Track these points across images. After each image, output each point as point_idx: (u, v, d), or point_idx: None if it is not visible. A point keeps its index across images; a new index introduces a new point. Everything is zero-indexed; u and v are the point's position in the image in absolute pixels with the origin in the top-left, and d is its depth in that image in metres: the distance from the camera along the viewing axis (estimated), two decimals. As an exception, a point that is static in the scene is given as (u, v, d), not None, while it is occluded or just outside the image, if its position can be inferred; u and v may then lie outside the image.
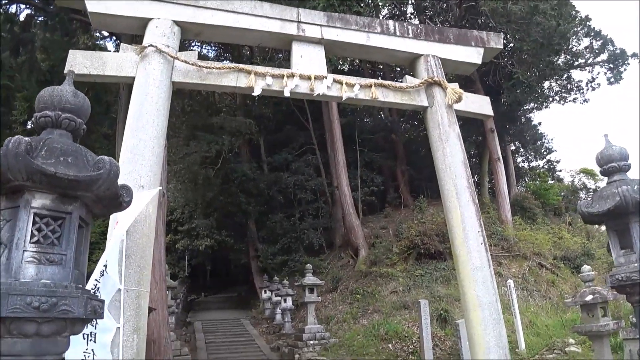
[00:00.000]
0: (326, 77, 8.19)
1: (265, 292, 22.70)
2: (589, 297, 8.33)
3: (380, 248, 21.67)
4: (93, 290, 5.45)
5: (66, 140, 3.33)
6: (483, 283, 7.97)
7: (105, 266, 5.62)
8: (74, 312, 2.84)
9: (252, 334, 19.49)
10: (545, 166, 37.94)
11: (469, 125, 30.35)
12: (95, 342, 5.62)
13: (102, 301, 3.32)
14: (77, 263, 3.21)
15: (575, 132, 68.35)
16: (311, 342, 15.22)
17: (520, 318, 13.88)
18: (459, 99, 8.84)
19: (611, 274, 4.68)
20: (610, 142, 4.81)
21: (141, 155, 6.57)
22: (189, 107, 27.07)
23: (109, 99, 18.79)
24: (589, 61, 27.13)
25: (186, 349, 14.59)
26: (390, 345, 14.28)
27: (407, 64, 9.88)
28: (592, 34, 25.43)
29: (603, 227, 30.63)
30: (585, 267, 9.21)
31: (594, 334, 8.36)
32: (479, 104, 9.90)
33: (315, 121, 27.36)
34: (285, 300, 18.89)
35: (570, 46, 25.52)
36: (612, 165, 4.64)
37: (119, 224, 5.90)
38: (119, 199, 3.40)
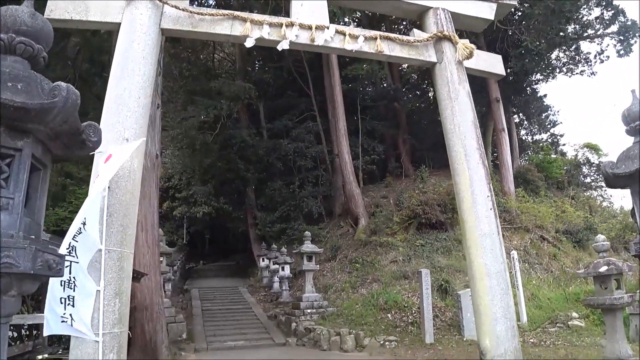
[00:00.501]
0: (328, 28, 7.57)
1: (263, 260, 22.37)
2: (603, 268, 7.86)
3: (380, 217, 21.26)
4: (68, 250, 4.98)
5: (19, 66, 2.78)
6: (491, 251, 7.50)
7: (84, 223, 5.13)
8: (19, 266, 2.34)
9: (250, 302, 19.21)
10: (549, 140, 37.34)
11: (474, 94, 29.40)
12: (74, 306, 5.18)
13: (60, 256, 2.81)
14: (29, 210, 2.71)
15: (580, 106, 67.32)
16: (309, 310, 14.90)
17: (522, 290, 13.51)
18: (470, 55, 8.24)
19: (635, 241, 4.20)
20: (638, 99, 4.26)
21: (125, 106, 6.01)
22: (187, 71, 26.37)
23: (104, 59, 18.08)
24: (599, 32, 26.20)
25: (181, 316, 14.27)
26: (389, 315, 13.95)
27: (416, 17, 9.20)
28: (604, 3, 24.48)
29: (606, 203, 30.20)
30: (600, 237, 8.73)
31: (607, 307, 7.92)
32: (491, 62, 9.29)
33: (316, 87, 26.64)
34: (283, 269, 18.55)
35: (581, 16, 24.69)
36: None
37: (99, 177, 5.39)
38: (81, 136, 2.86)
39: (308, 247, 15.68)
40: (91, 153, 4.23)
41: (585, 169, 32.94)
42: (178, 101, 25.47)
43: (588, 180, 33.00)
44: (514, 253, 14.05)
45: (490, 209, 7.69)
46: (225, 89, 23.06)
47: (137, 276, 9.37)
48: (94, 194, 5.32)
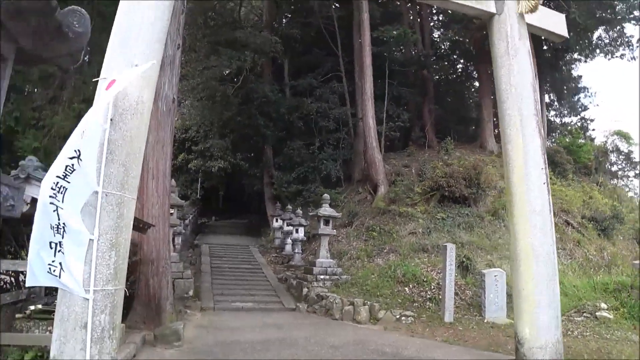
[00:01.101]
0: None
1: (276, 220, 21.64)
2: (666, 260, 6.90)
3: (401, 186, 20.36)
4: (55, 190, 4.17)
5: None
6: (542, 230, 6.59)
7: (79, 159, 4.28)
8: None
9: (260, 262, 18.58)
10: (578, 123, 35.90)
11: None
12: (64, 253, 4.39)
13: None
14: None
15: (613, 91, 64.80)
16: (322, 276, 14.17)
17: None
18: (533, 8, 7.16)
19: None
20: None
21: (137, 27, 5.05)
22: (212, 20, 25.19)
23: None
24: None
25: (189, 272, 13.62)
26: (406, 288, 13.17)
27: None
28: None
29: (631, 193, 28.79)
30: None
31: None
32: (554, 21, 8.13)
33: (344, 47, 25.43)
34: (297, 231, 17.80)
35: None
36: None
37: (96, 105, 4.51)
38: (56, 20, 1.96)
39: (326, 210, 14.85)
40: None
41: (613, 157, 31.62)
42: (201, 50, 24.43)
43: (614, 168, 31.72)
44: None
45: (544, 184, 6.73)
46: (251, 40, 21.97)
47: (143, 227, 8.63)
48: (93, 125, 4.45)
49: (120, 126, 4.71)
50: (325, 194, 15.70)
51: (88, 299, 4.45)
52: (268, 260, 19.24)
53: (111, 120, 4.63)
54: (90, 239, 4.45)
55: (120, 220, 4.67)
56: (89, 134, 4.42)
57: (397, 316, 11.82)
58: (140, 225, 8.31)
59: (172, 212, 13.55)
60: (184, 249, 19.30)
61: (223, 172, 26.09)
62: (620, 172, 32.06)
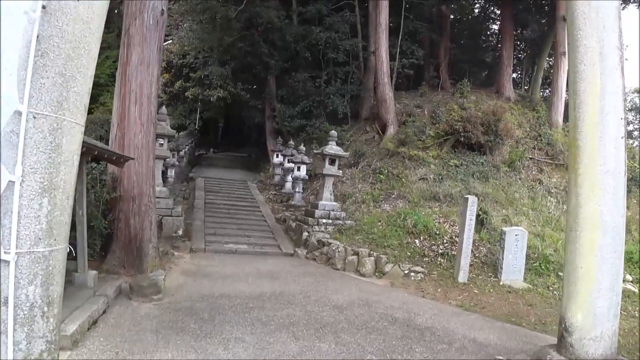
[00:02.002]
0: None
1: (277, 156, 20.20)
2: None
3: (412, 127, 18.82)
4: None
5: None
6: (613, 195, 5.17)
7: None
8: None
9: (257, 200, 17.31)
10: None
11: (536, 9, 26.12)
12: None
13: None
14: None
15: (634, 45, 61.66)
16: (324, 220, 12.91)
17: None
18: None
19: None
20: None
21: None
22: None
23: None
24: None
25: (179, 209, 12.29)
26: (417, 240, 11.92)
27: None
28: None
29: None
30: None
31: None
32: None
33: (359, -28, 23.14)
34: (299, 169, 16.44)
35: None
36: None
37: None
38: None
39: (332, 148, 13.39)
40: None
41: (630, 116, 29.94)
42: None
43: (630, 128, 30.06)
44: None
45: (622, 138, 5.24)
46: (257, -44, 19.71)
47: (119, 159, 7.18)
48: (13, 12, 2.92)
49: (58, 17, 3.17)
50: (332, 131, 14.17)
51: (8, 264, 3.09)
52: (266, 197, 17.96)
53: (43, 7, 3.09)
54: (10, 181, 3.03)
55: (56, 154, 3.23)
56: (7, 26, 2.90)
57: (406, 271, 10.63)
58: (115, 158, 6.88)
59: (162, 142, 12.09)
60: (178, 182, 18.00)
61: (222, 102, 24.35)
62: (635, 132, 30.51)
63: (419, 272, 10.59)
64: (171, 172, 17.19)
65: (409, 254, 11.37)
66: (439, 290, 9.85)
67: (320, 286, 9.26)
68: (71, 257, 7.32)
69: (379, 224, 12.97)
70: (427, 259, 11.30)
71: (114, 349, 5.20)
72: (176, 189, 16.83)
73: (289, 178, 18.04)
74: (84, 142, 5.14)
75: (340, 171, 14.21)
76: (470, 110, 18.11)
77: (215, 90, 23.06)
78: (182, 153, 20.07)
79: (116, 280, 7.75)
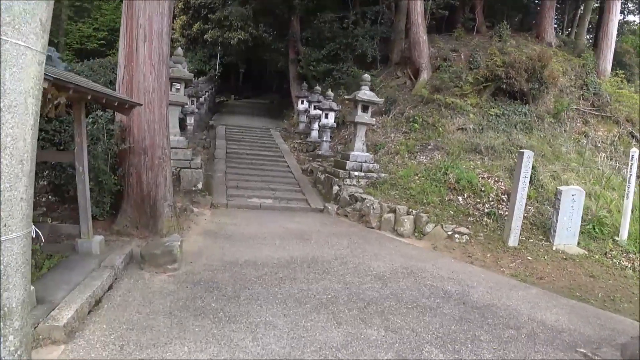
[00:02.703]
0: None
1: (302, 102, 18.80)
2: None
3: (447, 73, 17.22)
4: None
5: None
6: None
7: None
8: None
9: (282, 149, 16.10)
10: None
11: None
12: None
13: None
14: None
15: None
16: (356, 173, 11.70)
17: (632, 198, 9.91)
18: None
19: None
20: None
21: None
22: None
23: None
24: None
25: (199, 160, 11.12)
26: (460, 198, 10.66)
27: None
28: None
29: None
30: None
31: None
32: None
33: None
34: (326, 116, 15.11)
35: None
36: None
37: None
38: None
39: (365, 94, 11.97)
40: None
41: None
42: None
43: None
44: (635, 151, 10.20)
45: None
46: None
47: (127, 106, 5.98)
48: None
49: None
50: (366, 74, 12.68)
51: None
52: (291, 146, 16.73)
53: None
54: None
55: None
56: None
57: (449, 232, 9.46)
58: (117, 104, 5.67)
59: (179, 87, 10.84)
60: (198, 130, 16.85)
61: (243, 45, 22.71)
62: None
63: (464, 234, 9.42)
64: (190, 120, 16.01)
65: (452, 212, 10.16)
66: (489, 255, 8.70)
67: (356, 249, 8.16)
68: (76, 219, 6.33)
69: (416, 177, 11.72)
70: (471, 219, 10.08)
71: (118, 341, 4.17)
72: (196, 138, 15.70)
73: (315, 126, 16.75)
74: (64, 81, 3.93)
75: (374, 119, 12.84)
76: (514, 55, 16.37)
77: (236, 33, 21.45)
78: (201, 99, 18.80)
79: (126, 245, 6.71)
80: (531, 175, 11.70)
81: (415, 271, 7.25)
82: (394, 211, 10.05)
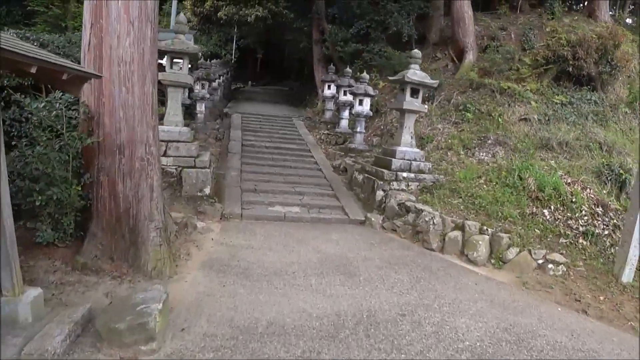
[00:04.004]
0: None
1: (329, 87, 16.06)
2: None
3: (498, 54, 14.42)
4: None
5: None
6: None
7: None
8: None
9: (307, 141, 13.46)
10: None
11: None
12: None
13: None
14: None
15: None
16: (404, 174, 9.05)
17: None
18: None
19: None
20: None
21: None
22: None
23: None
24: None
25: (206, 157, 8.42)
26: (546, 211, 7.96)
27: None
28: None
29: None
30: None
31: None
32: None
33: None
34: (360, 102, 12.40)
35: None
36: None
37: None
38: None
39: (416, 74, 9.26)
40: None
41: None
42: None
43: None
44: None
45: None
46: None
47: (77, 80, 3.40)
48: None
49: None
50: (415, 50, 9.89)
51: None
52: (317, 138, 14.07)
53: None
54: None
55: None
56: None
57: (540, 260, 6.84)
58: (50, 73, 3.10)
59: (181, 64, 8.25)
60: (210, 119, 14.30)
61: (261, 23, 19.97)
62: None
63: (560, 263, 6.79)
64: (201, 107, 13.45)
65: (539, 231, 7.49)
66: (602, 298, 6.07)
67: (425, 292, 5.57)
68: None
69: (481, 181, 9.04)
70: (564, 241, 7.41)
71: None
72: (207, 128, 13.14)
73: (345, 114, 14.07)
74: None
75: (426, 107, 10.13)
76: (582, 33, 13.51)
77: (253, 9, 18.75)
78: (215, 84, 16.22)
79: (84, 301, 4.20)
80: (626, 179, 9.09)
81: (522, 337, 4.66)
82: (461, 228, 7.44)
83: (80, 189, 5.09)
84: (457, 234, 7.40)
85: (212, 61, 17.53)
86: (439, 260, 7.00)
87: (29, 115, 5.45)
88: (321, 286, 5.38)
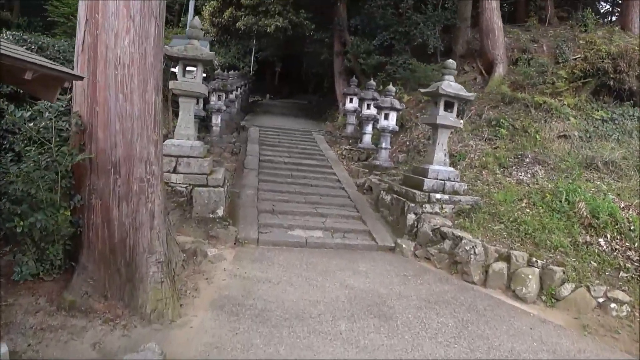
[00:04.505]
0: None
1: (350, 100, 15.19)
2: None
3: (529, 67, 13.46)
4: None
5: None
6: None
7: None
8: None
9: (328, 157, 12.60)
10: None
11: None
12: None
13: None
14: None
15: None
16: (437, 195, 8.10)
17: None
18: None
19: None
20: None
21: None
22: None
23: None
24: None
25: (219, 175, 7.60)
26: (601, 240, 6.96)
27: None
28: None
29: None
30: None
31: None
32: None
33: None
34: (386, 117, 11.52)
35: None
36: None
37: None
38: None
39: (451, 85, 8.37)
40: None
41: None
42: None
43: None
44: None
45: None
46: None
47: (50, 82, 2.60)
48: None
49: None
50: (450, 60, 9.01)
51: None
52: (339, 153, 13.20)
53: None
54: None
55: None
56: None
57: (600, 298, 5.86)
58: (21, 74, 2.28)
59: (194, 72, 7.46)
60: (226, 132, 13.56)
61: (281, 34, 19.22)
62: None
63: (623, 303, 5.80)
64: (216, 120, 12.71)
65: (595, 264, 6.49)
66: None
67: (475, 342, 4.62)
68: None
69: (522, 204, 8.07)
70: (624, 275, 6.39)
71: None
72: (223, 142, 12.39)
73: (368, 129, 13.20)
74: None
75: (462, 121, 9.19)
76: (624, 44, 12.53)
77: (273, 19, 18.02)
78: (232, 96, 15.51)
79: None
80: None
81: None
82: (506, 259, 6.48)
83: (69, 213, 4.28)
84: (502, 265, 6.44)
85: (229, 72, 16.82)
86: (483, 296, 6.04)
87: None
88: (353, 334, 4.46)
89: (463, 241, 6.80)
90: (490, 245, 6.76)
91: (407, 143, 12.55)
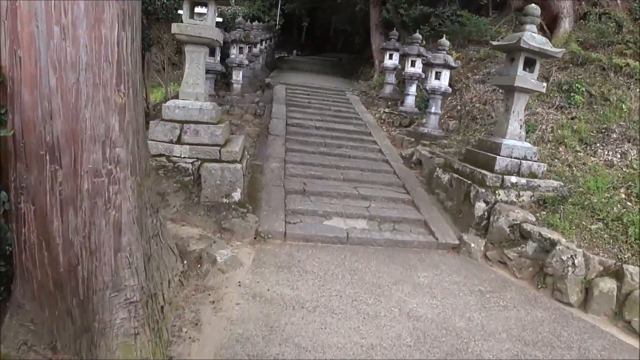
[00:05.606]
0: None
1: (390, 57, 13.05)
2: None
3: (601, 22, 11.22)
4: None
5: None
6: None
7: None
8: None
9: (366, 121, 10.71)
10: None
11: None
12: None
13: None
14: None
15: None
16: (512, 179, 6.21)
17: None
18: None
19: None
20: None
21: None
22: None
23: None
24: None
25: (236, 147, 5.74)
26: None
27: None
28: None
29: None
30: None
31: None
32: None
33: None
34: (438, 76, 9.50)
35: None
36: None
37: None
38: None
39: (534, 38, 6.34)
40: None
41: None
42: None
43: None
44: None
45: None
46: None
47: None
48: None
49: None
50: (533, 5, 6.95)
51: None
52: (377, 117, 11.28)
53: None
54: None
55: None
56: None
57: None
58: None
59: (204, 13, 5.58)
60: (249, 90, 11.74)
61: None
62: None
63: None
64: (237, 76, 10.87)
65: None
66: None
67: None
68: None
69: (621, 194, 6.19)
70: None
71: None
72: (245, 101, 10.59)
73: (412, 90, 11.21)
74: None
75: (544, 84, 7.17)
76: None
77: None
78: (256, 50, 13.58)
79: None
80: None
81: None
82: (616, 276, 4.70)
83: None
84: (610, 285, 4.66)
85: (253, 23, 14.80)
86: (589, 330, 4.29)
87: None
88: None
89: (558, 247, 4.98)
90: (593, 254, 4.95)
91: (459, 108, 10.56)
